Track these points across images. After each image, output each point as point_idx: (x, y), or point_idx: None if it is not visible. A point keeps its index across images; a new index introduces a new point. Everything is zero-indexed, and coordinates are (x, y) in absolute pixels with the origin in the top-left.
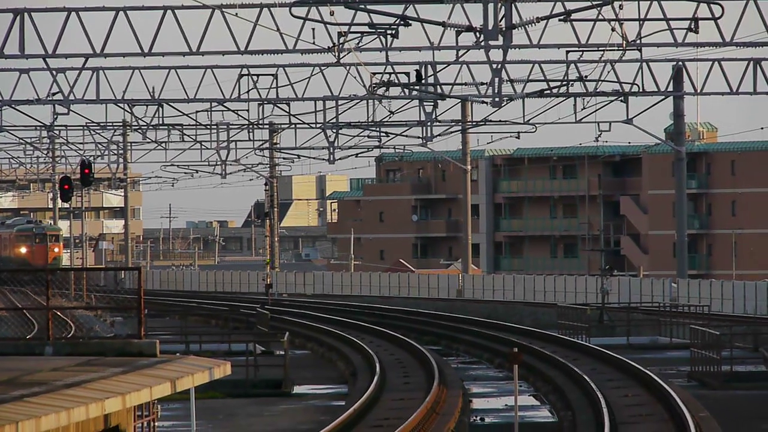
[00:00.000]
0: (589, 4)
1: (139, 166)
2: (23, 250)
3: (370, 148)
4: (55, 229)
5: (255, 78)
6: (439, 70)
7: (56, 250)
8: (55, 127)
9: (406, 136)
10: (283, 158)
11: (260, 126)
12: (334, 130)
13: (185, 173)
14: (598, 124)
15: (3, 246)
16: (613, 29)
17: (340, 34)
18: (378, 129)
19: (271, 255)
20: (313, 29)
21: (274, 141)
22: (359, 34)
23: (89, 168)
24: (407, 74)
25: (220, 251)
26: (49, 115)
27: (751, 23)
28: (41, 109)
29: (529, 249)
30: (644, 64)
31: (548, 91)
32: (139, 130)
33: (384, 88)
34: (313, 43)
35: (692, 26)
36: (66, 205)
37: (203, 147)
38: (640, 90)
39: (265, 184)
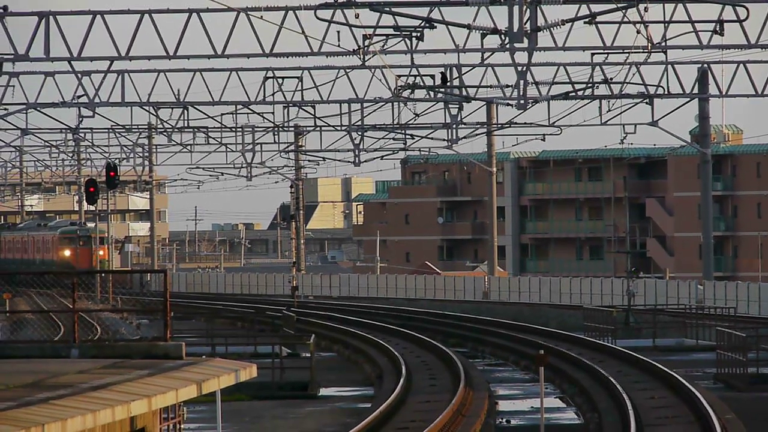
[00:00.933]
0: (614, 6)
1: (164, 169)
2: (67, 253)
3: (396, 150)
4: (100, 231)
5: (280, 80)
6: (464, 73)
7: (101, 253)
8: (81, 130)
9: (432, 138)
10: (309, 161)
11: (285, 128)
12: (360, 133)
13: (211, 176)
14: (624, 126)
15: (45, 249)
16: (638, 31)
17: (365, 37)
18: (403, 131)
19: (296, 257)
20: (338, 32)
21: (300, 143)
22: (384, 37)
23: (115, 170)
24: (432, 77)
25: (245, 254)
26: (75, 117)
27: None
28: (66, 111)
29: (554, 251)
30: (669, 66)
31: (573, 94)
32: (165, 133)
33: (409, 91)
34: (338, 45)
35: (717, 28)
36: (92, 208)
37: (228, 149)
38: (666, 92)
39: (291, 187)
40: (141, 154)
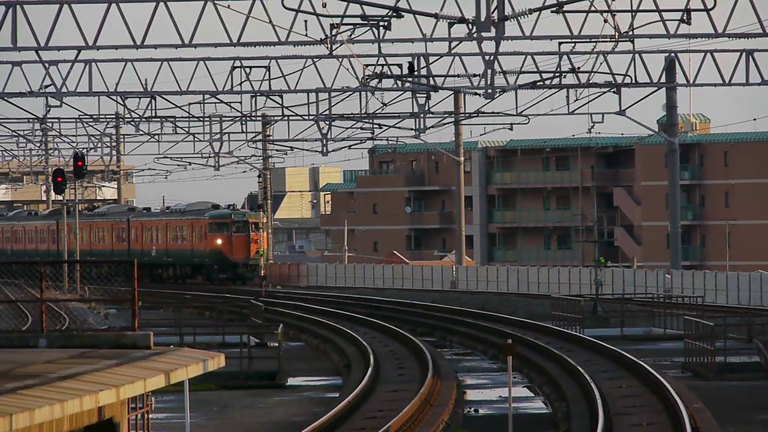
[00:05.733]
0: None
1: (132, 159)
2: (219, 241)
3: (363, 140)
4: (256, 216)
5: (248, 70)
6: (432, 62)
7: (259, 241)
8: (48, 120)
9: (399, 127)
10: (276, 150)
11: (253, 118)
12: (327, 122)
13: (178, 165)
14: (591, 116)
15: (183, 237)
16: (605, 20)
17: (332, 26)
18: (371, 121)
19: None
20: (306, 21)
21: (267, 133)
22: (352, 26)
23: (82, 160)
24: (400, 66)
25: None
26: (42, 107)
27: (743, 14)
28: (34, 101)
29: (522, 240)
30: (637, 55)
31: (541, 83)
32: (132, 123)
33: (377, 80)
34: (306, 35)
35: (685, 17)
36: (59, 198)
37: (196, 139)
38: (633, 81)
39: (259, 176)
40: (108, 144)
